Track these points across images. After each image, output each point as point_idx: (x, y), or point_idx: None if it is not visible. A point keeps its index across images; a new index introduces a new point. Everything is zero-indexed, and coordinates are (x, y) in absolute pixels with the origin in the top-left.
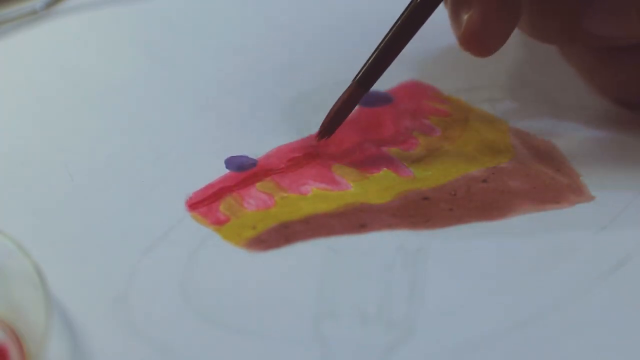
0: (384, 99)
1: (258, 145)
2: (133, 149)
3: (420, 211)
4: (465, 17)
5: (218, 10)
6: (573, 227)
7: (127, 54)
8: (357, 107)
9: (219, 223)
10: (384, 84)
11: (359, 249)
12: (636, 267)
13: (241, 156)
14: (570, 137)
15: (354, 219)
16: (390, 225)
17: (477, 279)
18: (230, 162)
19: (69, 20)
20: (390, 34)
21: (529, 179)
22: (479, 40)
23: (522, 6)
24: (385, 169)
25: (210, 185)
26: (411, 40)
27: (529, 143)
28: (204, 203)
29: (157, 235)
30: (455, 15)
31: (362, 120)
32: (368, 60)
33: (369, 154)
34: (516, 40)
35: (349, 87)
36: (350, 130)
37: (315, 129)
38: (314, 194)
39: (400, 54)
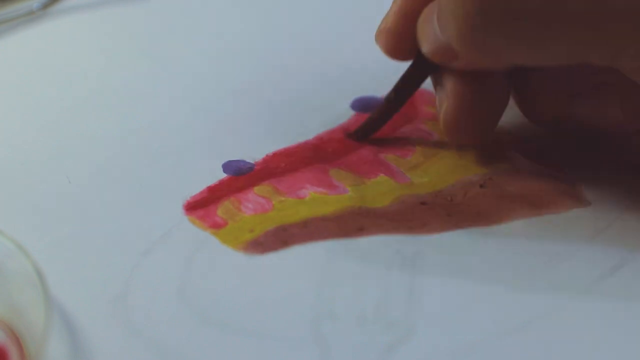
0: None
1: (256, 150)
2: (131, 152)
3: (417, 216)
4: (443, 107)
5: (215, 13)
6: (569, 232)
7: (123, 55)
8: (353, 114)
9: (216, 227)
10: (380, 90)
11: (356, 252)
12: (632, 272)
13: (239, 160)
14: (566, 142)
15: (352, 223)
16: (387, 230)
17: (475, 282)
18: (228, 166)
19: (66, 20)
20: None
21: (526, 184)
22: (457, 132)
23: (505, 98)
24: (382, 175)
25: (208, 189)
26: None
27: (526, 148)
28: (202, 207)
29: (155, 238)
30: (438, 102)
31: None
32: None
33: (366, 160)
34: None
35: (385, 100)
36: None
37: (312, 134)
38: (312, 198)
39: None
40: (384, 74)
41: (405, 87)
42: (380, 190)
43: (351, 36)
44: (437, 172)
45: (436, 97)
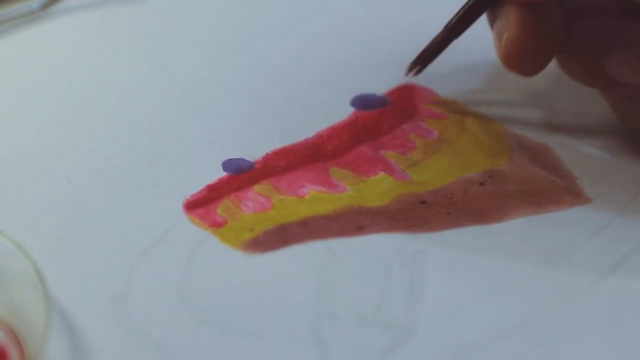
0: (381, 102)
1: (255, 148)
2: (131, 151)
3: (417, 215)
4: (504, 37)
5: (214, 13)
6: (570, 229)
7: (123, 55)
8: (353, 111)
9: (216, 225)
10: (380, 87)
11: (356, 250)
12: (632, 269)
13: (238, 159)
14: (566, 139)
15: (352, 221)
16: (387, 228)
17: (475, 281)
18: (228, 165)
19: (66, 20)
20: None
21: (526, 182)
22: (518, 61)
23: (562, 27)
24: (382, 172)
25: (208, 188)
26: (408, 44)
27: (526, 146)
28: (202, 206)
29: (155, 237)
30: (497, 34)
31: (359, 124)
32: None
33: (366, 158)
34: None
35: (440, 33)
36: (348, 134)
37: (312, 132)
38: (312, 197)
39: (397, 56)
40: (384, 71)
41: (466, 16)
42: (380, 189)
43: (350, 33)
44: (437, 169)
45: (494, 31)
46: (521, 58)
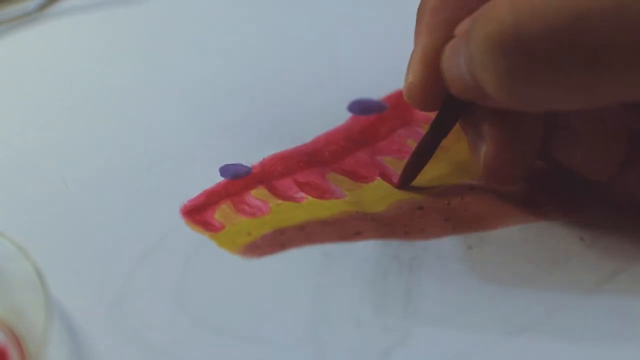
0: (378, 107)
1: (253, 153)
2: (128, 155)
3: (414, 221)
4: (482, 152)
5: (213, 16)
6: (566, 239)
7: (120, 56)
8: (351, 116)
9: (213, 230)
10: (378, 92)
11: (354, 255)
12: (629, 277)
13: (236, 164)
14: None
15: (349, 227)
16: (384, 235)
17: (471, 288)
18: (225, 170)
19: (63, 22)
20: None
21: (523, 190)
22: (498, 174)
23: (539, 138)
24: (379, 178)
25: (205, 193)
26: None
27: None
28: (199, 210)
29: (152, 241)
30: (474, 149)
31: (357, 129)
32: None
33: (364, 163)
34: None
35: (425, 134)
36: (345, 139)
37: (309, 137)
38: (309, 202)
39: (394, 62)
40: (381, 75)
41: (439, 131)
42: (378, 195)
43: (348, 38)
44: (434, 175)
45: (469, 139)
46: (501, 172)
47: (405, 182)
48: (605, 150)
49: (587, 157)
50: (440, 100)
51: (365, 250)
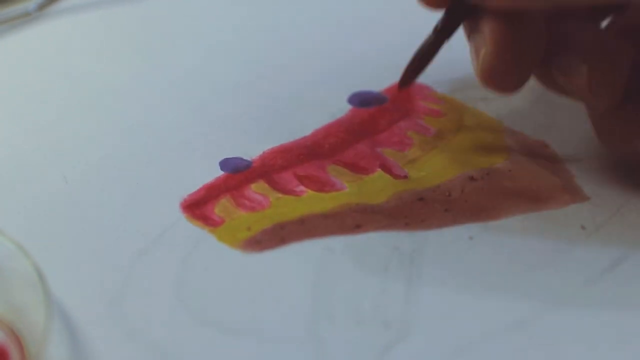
0: (378, 99)
1: (252, 147)
2: (128, 150)
3: (415, 212)
4: (481, 54)
5: (211, 12)
6: (568, 227)
7: (119, 55)
8: (350, 108)
9: (214, 225)
10: (378, 84)
11: (354, 249)
12: (631, 267)
13: (236, 158)
14: (564, 137)
15: (349, 220)
16: (385, 226)
17: (473, 280)
18: (225, 164)
19: (62, 21)
20: None
21: (524, 180)
22: (494, 78)
23: (542, 43)
24: (379, 170)
25: (205, 187)
26: (404, 41)
27: (524, 143)
28: (199, 205)
29: (152, 236)
30: (475, 54)
31: (357, 121)
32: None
33: (364, 155)
34: None
35: (428, 36)
36: (345, 131)
37: (309, 130)
38: (309, 195)
39: (394, 54)
40: (381, 68)
41: (442, 32)
42: (378, 187)
43: (347, 30)
44: (435, 166)
45: (471, 45)
46: (498, 76)
47: (406, 82)
48: (608, 75)
49: (590, 80)
50: (445, 0)
51: (366, 243)
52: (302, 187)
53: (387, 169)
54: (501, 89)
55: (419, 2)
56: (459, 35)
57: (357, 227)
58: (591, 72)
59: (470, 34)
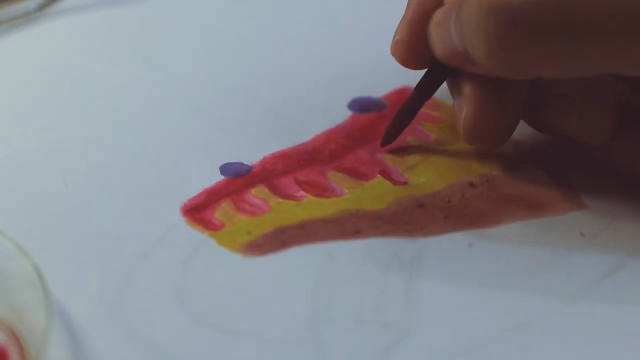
0: (378, 105)
1: (253, 152)
2: (128, 154)
3: (415, 218)
4: (462, 114)
5: (212, 15)
6: (567, 234)
7: (120, 56)
8: (350, 114)
9: (214, 229)
10: (378, 90)
11: (354, 254)
12: (629, 274)
13: (236, 162)
14: (564, 144)
15: (349, 225)
16: (385, 233)
17: (472, 285)
18: (226, 169)
19: (63, 22)
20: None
21: (523, 186)
22: (477, 136)
23: (520, 104)
24: (379, 175)
25: (205, 192)
26: None
27: (523, 150)
28: (199, 209)
29: (153, 240)
30: (457, 111)
31: (357, 127)
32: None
33: (364, 161)
34: None
35: (411, 95)
36: (345, 137)
37: (309, 135)
38: (309, 200)
39: (394, 60)
40: (381, 74)
41: (423, 92)
42: (378, 193)
43: (348, 36)
44: (434, 172)
45: (454, 102)
46: (480, 135)
47: (387, 141)
48: (598, 116)
49: (580, 123)
50: (424, 61)
51: (366, 249)
52: (302, 192)
53: (387, 175)
54: (485, 146)
55: (400, 63)
56: None
57: (357, 233)
58: (580, 118)
59: (453, 91)
